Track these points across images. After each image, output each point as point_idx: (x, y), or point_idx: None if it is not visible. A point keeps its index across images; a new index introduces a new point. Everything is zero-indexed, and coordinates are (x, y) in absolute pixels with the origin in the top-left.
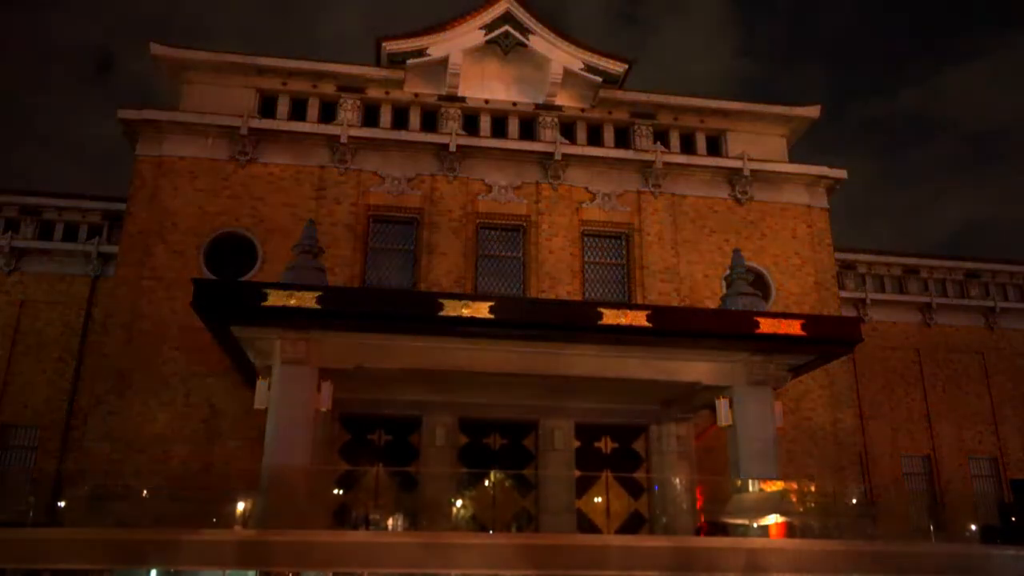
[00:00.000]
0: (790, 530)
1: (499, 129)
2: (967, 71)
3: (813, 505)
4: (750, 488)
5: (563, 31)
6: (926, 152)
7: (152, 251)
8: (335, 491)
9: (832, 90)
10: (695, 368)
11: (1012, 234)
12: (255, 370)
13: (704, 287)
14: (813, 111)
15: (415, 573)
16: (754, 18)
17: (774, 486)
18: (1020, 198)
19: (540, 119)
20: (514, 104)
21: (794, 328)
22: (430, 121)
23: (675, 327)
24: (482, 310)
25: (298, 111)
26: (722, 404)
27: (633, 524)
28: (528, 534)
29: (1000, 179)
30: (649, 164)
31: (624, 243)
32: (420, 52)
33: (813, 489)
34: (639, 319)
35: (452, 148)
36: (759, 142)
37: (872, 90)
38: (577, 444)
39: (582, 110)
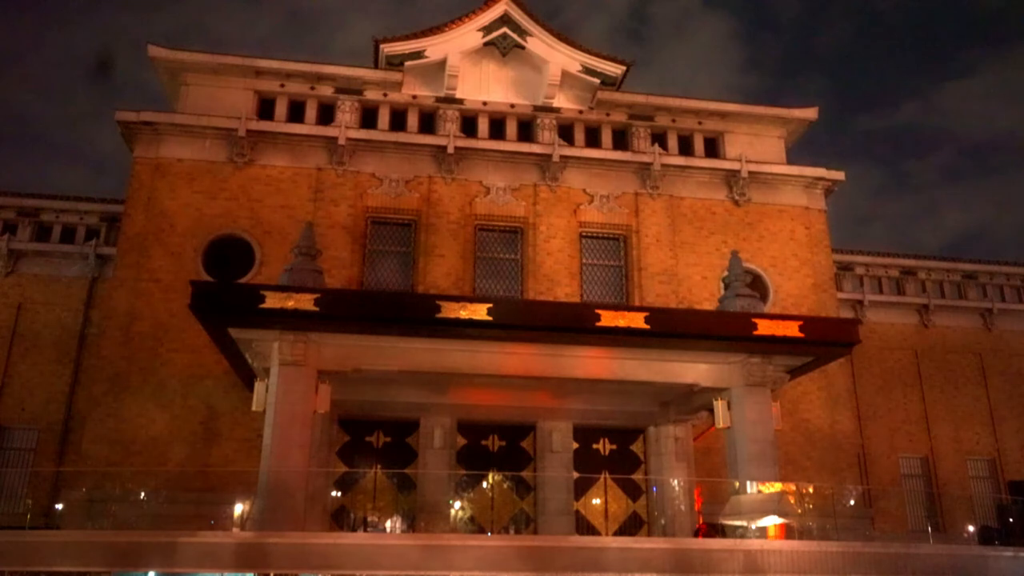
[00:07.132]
0: (788, 532)
1: (497, 131)
2: (965, 85)
3: (811, 507)
4: (748, 490)
5: (561, 33)
6: (925, 162)
7: (150, 253)
8: (333, 493)
9: (833, 102)
10: (693, 370)
11: (1009, 239)
12: (253, 372)
13: (702, 289)
14: (811, 113)
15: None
16: (757, 33)
17: (772, 488)
18: (1016, 206)
19: (538, 121)
20: (512, 106)
21: (792, 330)
22: (428, 123)
23: (673, 329)
24: (480, 312)
25: (296, 113)
26: (720, 406)
27: (631, 526)
28: (526, 536)
29: (997, 189)
30: (647, 166)
31: (622, 245)
32: (418, 54)
33: (811, 491)
34: (637, 321)
35: (450, 150)
36: (757, 144)
37: (873, 103)
38: (575, 446)
39: (580, 112)
